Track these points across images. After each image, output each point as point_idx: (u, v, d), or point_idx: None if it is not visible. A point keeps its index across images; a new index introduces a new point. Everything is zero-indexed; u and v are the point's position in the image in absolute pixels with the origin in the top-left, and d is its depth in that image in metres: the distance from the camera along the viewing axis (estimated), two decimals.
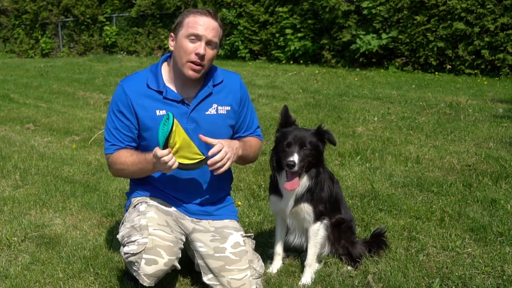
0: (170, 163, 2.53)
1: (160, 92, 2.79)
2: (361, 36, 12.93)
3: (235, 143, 2.80)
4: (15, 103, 9.57)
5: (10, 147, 6.23)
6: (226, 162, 2.66)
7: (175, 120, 2.49)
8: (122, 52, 19.85)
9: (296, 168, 2.79)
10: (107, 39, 20.24)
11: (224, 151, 2.64)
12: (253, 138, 3.06)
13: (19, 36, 23.39)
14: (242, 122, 3.01)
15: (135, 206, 2.83)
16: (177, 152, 2.57)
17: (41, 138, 6.76)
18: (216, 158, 2.63)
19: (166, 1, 18.21)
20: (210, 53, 2.75)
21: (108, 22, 20.55)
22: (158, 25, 19.02)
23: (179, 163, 2.59)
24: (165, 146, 2.50)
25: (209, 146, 2.71)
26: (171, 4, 18.11)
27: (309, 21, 14.27)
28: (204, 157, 2.68)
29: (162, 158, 2.51)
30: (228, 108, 2.90)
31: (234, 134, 3.02)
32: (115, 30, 20.23)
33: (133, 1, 19.62)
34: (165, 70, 2.88)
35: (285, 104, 3.11)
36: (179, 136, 2.53)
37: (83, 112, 8.58)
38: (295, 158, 2.80)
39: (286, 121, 2.99)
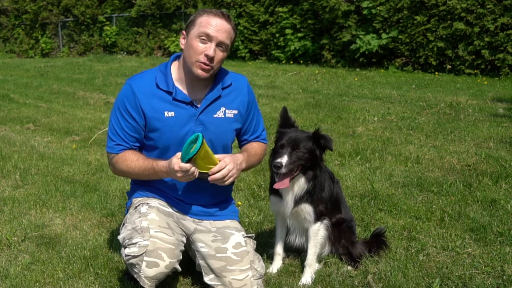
0: (194, 174, 2.58)
1: (170, 93, 2.76)
2: (361, 36, 12.93)
3: (239, 157, 2.80)
4: (15, 103, 9.56)
5: (10, 147, 6.23)
6: (229, 179, 2.67)
7: (204, 141, 2.49)
8: (122, 52, 19.84)
9: (283, 169, 2.78)
10: (107, 39, 20.23)
11: (227, 169, 2.65)
12: (258, 143, 3.06)
13: (19, 36, 23.38)
14: (249, 125, 3.01)
15: (136, 207, 2.82)
16: (198, 163, 2.59)
17: (41, 138, 6.76)
18: (217, 176, 2.63)
19: (166, 1, 18.20)
20: (219, 55, 2.73)
21: (108, 22, 20.54)
22: (158, 25, 19.01)
23: (199, 172, 2.62)
24: (188, 161, 2.52)
25: (226, 151, 2.83)
26: (171, 4, 18.10)
27: (309, 21, 14.27)
28: None
29: (190, 170, 2.53)
30: (236, 112, 2.89)
31: (241, 136, 3.03)
32: (115, 30, 20.22)
33: (133, 1, 19.61)
34: (174, 70, 2.85)
35: (284, 106, 3.10)
36: (203, 152, 2.53)
37: (83, 112, 8.58)
38: (283, 160, 2.79)
39: (285, 122, 2.99)
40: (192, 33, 2.71)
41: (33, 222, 3.92)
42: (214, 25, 2.68)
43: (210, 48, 2.67)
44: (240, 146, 3.10)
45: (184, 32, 2.79)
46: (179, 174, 2.56)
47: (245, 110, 2.94)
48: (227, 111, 2.86)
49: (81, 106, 9.17)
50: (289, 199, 2.97)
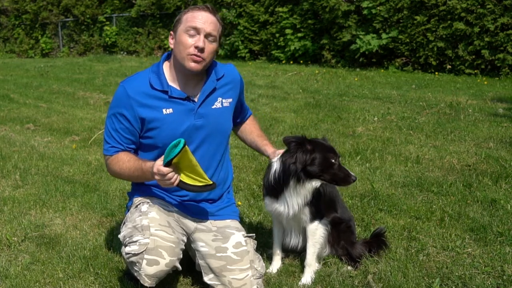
0: (172, 180, 2.53)
1: (165, 92, 2.77)
2: (361, 36, 12.92)
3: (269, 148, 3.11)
4: (15, 103, 9.56)
5: (10, 147, 6.23)
6: None
7: (186, 146, 2.48)
8: (122, 52, 19.85)
9: None
10: (107, 39, 20.23)
11: None
12: (252, 119, 3.32)
13: (19, 36, 23.38)
14: (242, 105, 3.18)
15: (137, 206, 2.83)
16: (181, 171, 2.58)
17: (41, 138, 6.76)
18: None
19: (166, 1, 18.20)
20: (210, 46, 2.73)
21: (108, 22, 20.54)
22: (158, 25, 19.02)
23: (181, 181, 2.59)
24: (167, 165, 2.50)
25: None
26: (171, 4, 18.10)
27: (309, 21, 14.26)
28: (211, 182, 2.68)
29: (167, 175, 2.51)
30: (231, 100, 2.96)
31: (236, 119, 3.17)
32: (115, 30, 20.22)
33: (133, 1, 19.62)
34: (166, 69, 2.86)
35: (303, 135, 2.92)
36: (185, 159, 2.52)
37: (83, 112, 8.58)
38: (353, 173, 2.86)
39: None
40: (179, 30, 2.74)
41: (33, 222, 3.92)
42: (200, 18, 2.70)
43: (199, 40, 2.68)
44: (238, 127, 3.28)
45: (171, 32, 2.81)
46: (156, 177, 2.54)
47: (237, 97, 3.05)
48: (223, 100, 2.92)
49: (81, 106, 9.18)
50: (286, 202, 2.95)
